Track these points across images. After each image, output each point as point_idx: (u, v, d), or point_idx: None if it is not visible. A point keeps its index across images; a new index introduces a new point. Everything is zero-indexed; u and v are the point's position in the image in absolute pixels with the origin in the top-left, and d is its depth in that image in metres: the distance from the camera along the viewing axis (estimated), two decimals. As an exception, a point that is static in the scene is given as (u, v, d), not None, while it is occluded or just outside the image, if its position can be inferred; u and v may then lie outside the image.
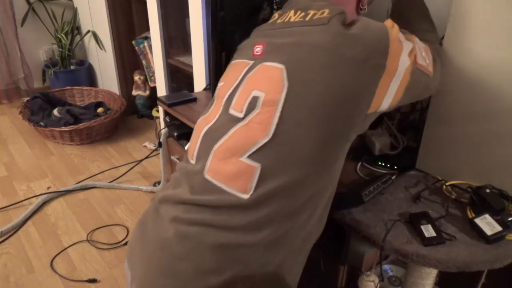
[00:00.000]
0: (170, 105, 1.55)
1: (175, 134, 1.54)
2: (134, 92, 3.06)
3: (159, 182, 2.32)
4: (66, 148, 2.74)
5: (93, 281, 1.67)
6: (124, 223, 2.02)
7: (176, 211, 0.74)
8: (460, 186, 0.98)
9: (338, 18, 0.74)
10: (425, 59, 0.81)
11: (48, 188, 2.29)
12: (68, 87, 3.19)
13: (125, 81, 3.09)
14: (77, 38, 3.36)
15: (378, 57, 0.71)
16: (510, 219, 0.85)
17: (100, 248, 1.85)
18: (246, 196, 0.69)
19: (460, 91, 0.96)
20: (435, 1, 1.05)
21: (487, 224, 0.84)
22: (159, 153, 2.53)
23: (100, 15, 2.91)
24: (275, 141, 0.70)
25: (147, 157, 2.55)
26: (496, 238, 0.82)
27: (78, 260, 1.78)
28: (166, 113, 1.64)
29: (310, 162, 0.71)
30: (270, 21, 0.86)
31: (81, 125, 2.65)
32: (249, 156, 0.70)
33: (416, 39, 0.82)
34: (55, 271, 1.71)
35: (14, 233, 1.94)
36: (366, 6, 0.91)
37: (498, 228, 0.82)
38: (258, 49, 0.80)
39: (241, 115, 0.74)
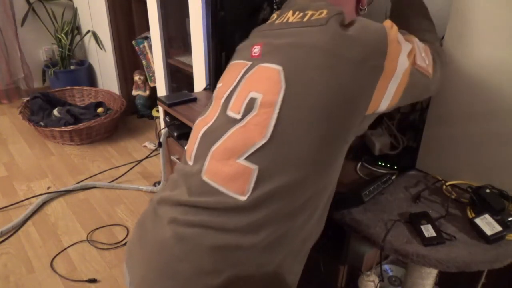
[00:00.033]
0: (170, 105, 1.55)
1: (175, 134, 1.54)
2: (134, 92, 3.06)
3: (159, 182, 2.32)
4: (66, 148, 2.74)
5: (93, 281, 1.67)
6: (124, 223, 2.02)
7: (174, 213, 0.74)
8: (460, 186, 0.98)
9: (336, 19, 0.74)
10: (424, 60, 0.81)
11: (48, 188, 2.29)
12: (68, 87, 3.19)
13: (125, 81, 3.09)
14: (77, 38, 3.36)
15: (376, 58, 0.71)
16: (510, 219, 0.85)
17: (100, 248, 1.85)
18: (243, 198, 0.69)
19: (460, 91, 0.96)
20: (435, 1, 1.05)
21: (487, 224, 0.84)
22: (159, 153, 2.53)
23: (100, 15, 2.91)
24: (273, 143, 0.70)
25: (147, 157, 2.55)
26: (496, 238, 0.82)
27: (78, 260, 1.78)
28: (166, 113, 1.64)
29: (308, 163, 0.70)
30: (269, 21, 0.86)
31: (81, 125, 2.65)
32: (247, 158, 0.70)
33: (416, 40, 0.81)
34: (55, 271, 1.71)
35: (14, 233, 1.94)
36: (365, 7, 0.90)
37: (498, 228, 0.83)
38: (256, 50, 0.80)
39: (238, 116, 0.74)
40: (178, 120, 1.55)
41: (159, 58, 2.25)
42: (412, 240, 0.84)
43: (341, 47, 0.71)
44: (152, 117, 3.08)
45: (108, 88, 3.24)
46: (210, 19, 1.35)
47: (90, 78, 3.45)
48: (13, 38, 3.23)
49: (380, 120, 1.19)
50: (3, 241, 1.88)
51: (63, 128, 2.64)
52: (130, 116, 3.17)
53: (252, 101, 0.73)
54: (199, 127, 0.82)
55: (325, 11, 0.76)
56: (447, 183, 0.99)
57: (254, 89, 0.74)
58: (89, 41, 3.29)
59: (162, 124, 1.80)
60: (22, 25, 3.25)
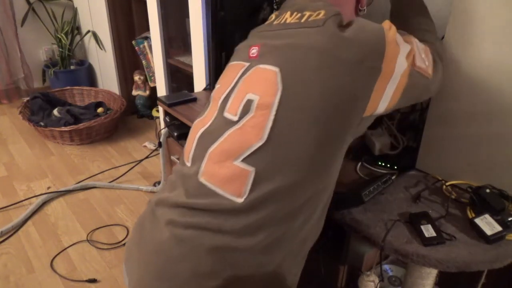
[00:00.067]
0: (170, 105, 1.55)
1: (175, 134, 1.54)
2: (134, 92, 3.06)
3: (159, 182, 2.32)
4: (66, 148, 2.74)
5: (93, 281, 1.67)
6: (124, 223, 2.02)
7: (171, 214, 0.74)
8: (460, 186, 0.98)
9: (333, 20, 0.73)
10: (424, 61, 0.81)
11: (48, 188, 2.29)
12: (68, 87, 3.19)
13: (125, 81, 3.09)
14: (77, 38, 3.36)
15: (373, 60, 0.70)
16: (510, 219, 0.85)
17: (100, 248, 1.85)
18: (240, 200, 0.69)
19: (460, 91, 0.96)
20: (435, 1, 1.05)
21: (487, 224, 0.84)
22: (159, 153, 2.53)
23: (100, 15, 2.91)
24: (269, 145, 0.70)
25: (147, 157, 2.55)
26: (496, 238, 0.82)
27: (78, 260, 1.78)
28: (166, 113, 1.64)
29: (306, 165, 0.70)
30: (267, 22, 0.85)
31: (81, 125, 2.65)
32: (243, 160, 0.70)
33: (415, 41, 0.81)
34: (55, 271, 1.71)
35: (14, 233, 1.94)
36: (365, 7, 0.90)
37: (498, 228, 0.83)
38: (253, 51, 0.80)
39: (235, 118, 0.74)
40: (178, 120, 1.55)
41: (159, 58, 2.25)
42: (412, 240, 0.84)
43: (338, 48, 0.70)
44: (152, 117, 3.09)
45: (108, 88, 3.24)
46: (210, 19, 1.35)
47: (90, 78, 3.45)
48: (13, 38, 3.23)
49: (380, 120, 1.19)
50: (3, 241, 1.88)
51: (63, 128, 2.64)
52: (130, 116, 3.17)
53: (249, 103, 0.73)
54: (197, 128, 0.81)
55: (322, 12, 0.75)
56: (447, 183, 0.99)
57: (251, 91, 0.74)
58: (89, 41, 3.29)
59: (162, 124, 1.80)
60: (22, 25, 3.25)
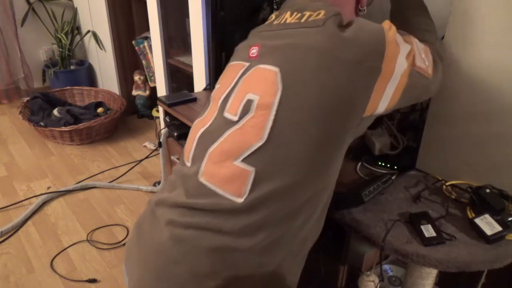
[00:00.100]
0: (170, 105, 1.55)
1: (175, 134, 1.54)
2: (134, 92, 3.06)
3: (159, 182, 2.32)
4: (66, 148, 2.74)
5: (93, 281, 1.67)
6: (124, 223, 2.02)
7: (171, 214, 0.74)
8: (460, 186, 0.98)
9: (333, 20, 0.73)
10: (424, 61, 0.80)
11: (48, 188, 2.29)
12: (68, 87, 3.19)
13: (125, 81, 3.09)
14: (77, 38, 3.36)
15: (373, 60, 0.70)
16: (510, 219, 0.85)
17: (100, 248, 1.85)
18: (240, 200, 0.69)
19: (460, 91, 0.96)
20: (435, 1, 1.05)
21: (487, 224, 0.84)
22: (159, 153, 2.53)
23: (100, 15, 2.91)
24: (269, 145, 0.69)
25: (147, 157, 2.55)
26: (496, 238, 0.82)
27: (78, 260, 1.78)
28: (166, 113, 1.64)
29: (306, 165, 0.70)
30: (267, 22, 0.85)
31: (81, 125, 2.65)
32: (243, 160, 0.70)
33: (415, 41, 0.81)
34: (55, 271, 1.71)
35: (14, 233, 1.94)
36: (365, 7, 0.90)
37: (498, 228, 0.83)
38: (253, 51, 0.80)
39: (235, 118, 0.74)
40: (178, 120, 1.55)
41: (159, 58, 2.25)
42: (412, 240, 0.84)
43: (338, 48, 0.70)
44: (152, 117, 3.09)
45: (108, 88, 3.24)
46: (210, 19, 1.35)
47: (90, 78, 3.45)
48: (13, 38, 3.23)
49: (380, 120, 1.19)
50: (3, 241, 1.88)
51: (63, 128, 2.64)
52: (130, 116, 3.17)
53: (249, 103, 0.73)
54: (197, 128, 0.81)
55: (322, 12, 0.75)
56: (447, 183, 0.99)
57: (251, 91, 0.74)
58: (89, 41, 3.29)
59: (162, 124, 1.80)
60: (22, 25, 3.25)
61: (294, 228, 0.72)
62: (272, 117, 0.70)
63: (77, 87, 3.22)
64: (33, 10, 3.25)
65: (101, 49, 3.11)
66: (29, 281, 1.66)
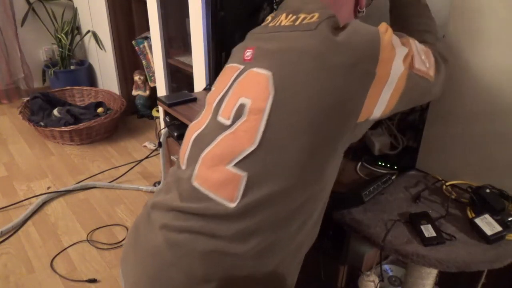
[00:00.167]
0: (170, 105, 1.55)
1: (175, 134, 1.54)
2: (134, 92, 3.06)
3: (159, 182, 2.32)
4: (66, 148, 2.74)
5: (93, 281, 1.67)
6: (124, 223, 2.02)
7: (165, 218, 0.74)
8: (460, 186, 0.98)
9: (327, 23, 0.72)
10: (424, 63, 0.79)
11: (48, 188, 2.29)
12: (68, 87, 3.19)
13: (125, 81, 3.09)
14: (77, 38, 3.36)
15: (367, 64, 0.69)
16: (510, 219, 0.85)
17: (100, 248, 1.85)
18: (232, 205, 0.69)
19: (460, 91, 0.96)
20: (435, 1, 1.05)
21: (487, 224, 0.84)
22: (159, 153, 2.53)
23: (100, 15, 2.91)
24: (262, 150, 0.69)
25: (147, 157, 2.55)
26: (496, 238, 0.82)
27: (78, 260, 1.78)
28: (166, 113, 1.64)
29: (299, 170, 0.69)
30: (263, 24, 0.85)
31: (81, 125, 2.65)
32: (236, 165, 0.70)
33: (414, 43, 0.79)
34: (55, 271, 1.71)
35: (14, 233, 1.94)
36: (364, 9, 0.88)
37: (498, 228, 0.83)
38: (248, 54, 0.79)
39: (228, 122, 0.74)
40: (178, 120, 1.55)
41: (159, 58, 2.25)
42: (412, 240, 0.84)
43: (330, 53, 0.69)
44: (152, 117, 3.09)
45: (108, 88, 3.24)
46: (210, 19, 1.35)
47: (90, 78, 3.45)
48: (13, 38, 3.23)
49: (380, 120, 1.19)
50: (3, 241, 1.88)
51: (63, 128, 2.64)
52: (130, 116, 3.17)
53: (241, 107, 0.73)
54: (192, 131, 0.81)
55: (316, 15, 0.74)
56: (447, 183, 0.99)
57: (244, 95, 0.74)
58: (89, 41, 3.29)
59: (162, 124, 1.80)
60: (22, 25, 3.25)
61: (290, 232, 0.72)
62: (264, 121, 0.69)
63: (77, 87, 3.22)
64: (33, 10, 3.25)
65: (101, 49, 3.11)
66: (29, 281, 1.66)
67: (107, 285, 1.66)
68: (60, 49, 3.24)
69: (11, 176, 2.40)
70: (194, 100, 1.60)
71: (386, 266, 1.38)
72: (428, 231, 0.84)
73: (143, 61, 2.84)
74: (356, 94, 0.70)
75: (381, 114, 0.75)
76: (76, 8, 3.30)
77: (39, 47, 3.40)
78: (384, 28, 0.73)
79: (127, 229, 1.97)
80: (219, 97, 0.79)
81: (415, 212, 0.90)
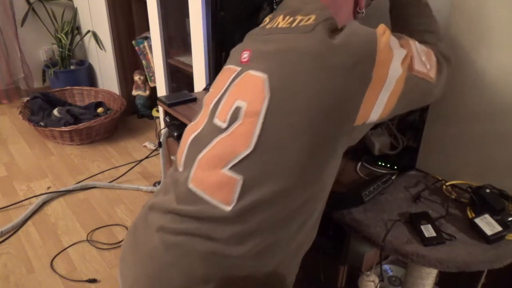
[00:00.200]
0: (170, 105, 1.55)
1: (175, 134, 1.54)
2: (134, 92, 3.06)
3: (159, 182, 2.32)
4: (66, 148, 2.74)
5: (93, 281, 1.67)
6: (124, 223, 2.02)
7: (162, 221, 0.74)
8: (460, 186, 0.98)
9: (323, 25, 0.72)
10: (425, 64, 0.78)
11: (48, 188, 2.29)
12: (68, 87, 3.19)
13: (125, 81, 3.09)
14: (77, 38, 3.36)
15: (363, 67, 0.68)
16: (510, 219, 0.85)
17: (100, 248, 1.85)
18: (228, 208, 0.68)
19: (460, 91, 0.96)
20: (435, 1, 1.05)
21: (487, 224, 0.84)
22: (159, 153, 2.53)
23: (100, 15, 2.91)
24: (257, 153, 0.69)
25: (147, 157, 2.55)
26: (496, 238, 0.82)
27: (78, 260, 1.78)
28: (166, 113, 1.64)
29: (296, 172, 0.69)
30: (261, 25, 0.85)
31: (81, 125, 2.65)
32: (231, 168, 0.69)
33: (414, 44, 0.78)
34: (55, 271, 1.71)
35: (14, 233, 1.94)
36: (363, 9, 0.87)
37: (498, 228, 0.83)
38: (245, 56, 0.79)
39: (224, 125, 0.73)
40: (178, 120, 1.55)
41: (159, 58, 2.25)
42: (412, 240, 0.84)
43: (325, 55, 0.69)
44: (152, 117, 3.09)
45: (108, 88, 3.24)
46: (210, 19, 1.35)
47: (90, 78, 3.45)
48: (13, 38, 3.23)
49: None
50: (3, 241, 1.88)
51: (63, 128, 2.64)
52: (130, 116, 3.17)
53: (237, 110, 0.72)
54: (189, 133, 0.81)
55: (313, 17, 0.74)
56: (447, 183, 0.99)
57: (240, 97, 0.73)
58: (89, 41, 3.29)
59: (162, 124, 1.80)
60: (22, 25, 3.25)
61: (290, 232, 0.71)
62: (259, 125, 0.69)
63: (77, 87, 3.22)
64: (33, 10, 3.25)
65: (101, 49, 3.11)
66: (29, 281, 1.66)
67: (107, 285, 1.66)
68: (60, 49, 3.24)
69: (11, 176, 2.40)
70: (194, 100, 1.60)
71: (386, 266, 1.38)
72: (428, 231, 0.84)
73: (143, 61, 2.84)
74: (352, 97, 0.69)
75: (378, 117, 0.74)
76: (76, 8, 3.30)
77: (39, 47, 3.40)
78: (382, 30, 0.72)
79: (127, 229, 1.97)
80: (216, 99, 0.79)
81: (415, 212, 0.90)
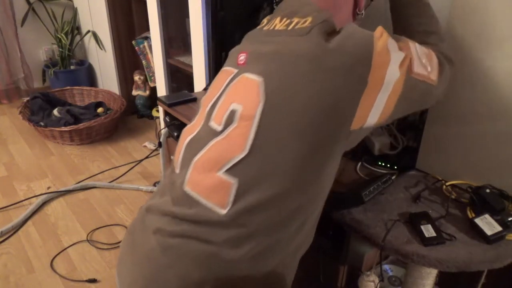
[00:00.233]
0: (170, 105, 1.55)
1: (175, 134, 1.54)
2: (134, 92, 3.06)
3: (159, 182, 2.32)
4: (66, 148, 2.74)
5: (93, 281, 1.67)
6: (124, 223, 2.02)
7: (159, 223, 0.74)
8: (460, 186, 0.98)
9: (319, 28, 0.71)
10: (425, 66, 0.77)
11: (48, 188, 2.29)
12: (68, 87, 3.19)
13: (125, 81, 3.09)
14: (77, 38, 3.36)
15: (359, 71, 0.67)
16: (510, 219, 0.85)
17: (100, 248, 1.85)
18: (223, 212, 0.68)
19: (460, 91, 0.96)
20: (435, 2, 1.05)
21: (487, 224, 0.84)
22: (159, 153, 2.53)
23: (100, 15, 2.91)
24: (252, 156, 0.68)
25: (147, 157, 2.55)
26: (496, 238, 0.82)
27: (78, 260, 1.78)
28: (166, 113, 1.64)
29: (291, 176, 0.69)
30: (259, 26, 0.84)
31: (81, 125, 2.65)
32: (226, 171, 0.69)
33: (414, 46, 0.77)
34: (55, 271, 1.71)
35: (14, 233, 1.93)
36: (363, 11, 0.86)
37: (498, 228, 0.83)
38: (242, 58, 0.79)
39: (220, 128, 0.73)
40: (178, 120, 1.55)
41: (159, 58, 2.25)
42: (412, 240, 0.84)
43: (322, 58, 0.68)
44: (152, 117, 3.09)
45: (108, 88, 3.24)
46: (210, 19, 1.35)
47: (90, 78, 3.45)
48: (13, 38, 3.23)
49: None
50: (3, 241, 1.88)
51: (63, 128, 2.64)
52: (130, 116, 3.17)
53: (232, 113, 0.72)
54: (186, 135, 0.81)
55: (309, 19, 0.73)
56: (447, 183, 0.99)
57: (235, 100, 0.73)
58: (89, 41, 3.29)
59: (162, 124, 1.80)
60: (22, 25, 3.25)
61: (289, 234, 0.71)
62: (254, 128, 0.69)
63: (77, 87, 3.21)
64: (33, 10, 3.25)
65: (101, 49, 3.11)
66: (29, 281, 1.66)
67: (107, 285, 1.66)
68: (60, 49, 3.24)
69: (11, 176, 2.40)
70: (194, 100, 1.60)
71: (386, 266, 1.38)
72: (428, 231, 0.84)
73: (143, 61, 2.84)
74: (347, 102, 0.68)
75: (376, 122, 0.73)
76: (76, 8, 3.30)
77: (39, 47, 3.40)
78: (379, 33, 0.71)
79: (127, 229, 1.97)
80: (212, 101, 0.79)
81: (415, 212, 0.90)
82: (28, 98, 2.96)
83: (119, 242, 1.89)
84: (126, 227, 1.99)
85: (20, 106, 2.88)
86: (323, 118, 0.68)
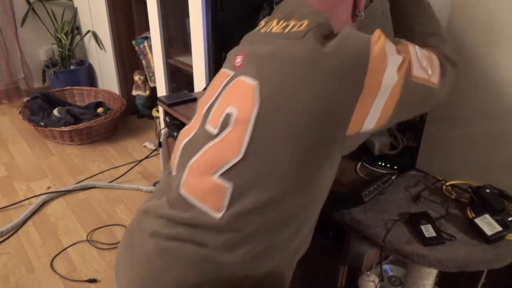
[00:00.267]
0: (170, 105, 1.55)
1: (175, 134, 1.54)
2: (134, 92, 3.06)
3: (159, 182, 2.32)
4: (66, 148, 2.74)
5: (93, 281, 1.67)
6: (124, 223, 2.02)
7: (155, 226, 0.74)
8: (460, 186, 0.98)
9: (315, 32, 0.70)
10: (426, 69, 0.75)
11: (48, 188, 2.29)
12: (68, 87, 3.19)
13: (125, 81, 3.09)
14: (77, 38, 3.36)
15: (354, 75, 0.66)
16: (510, 219, 0.85)
17: (100, 248, 1.85)
18: (218, 215, 0.68)
19: (461, 91, 0.96)
20: (435, 2, 1.05)
21: (487, 224, 0.84)
22: (159, 153, 2.53)
23: (100, 15, 2.91)
24: (247, 160, 0.68)
25: (147, 157, 2.55)
26: (496, 238, 0.82)
27: (78, 260, 1.78)
28: (166, 113, 1.64)
29: (287, 179, 0.68)
30: (256, 28, 0.84)
31: (81, 125, 2.65)
32: (221, 175, 0.69)
33: (414, 49, 0.75)
34: (55, 271, 1.71)
35: (14, 233, 1.93)
36: (362, 13, 0.85)
37: (498, 228, 0.83)
38: (238, 60, 0.78)
39: (215, 131, 0.73)
40: (178, 120, 1.55)
41: (159, 58, 2.25)
42: (412, 240, 0.84)
43: (318, 62, 0.67)
44: (152, 117, 3.09)
45: (108, 88, 3.24)
46: (210, 19, 1.35)
47: (90, 78, 3.45)
48: (13, 38, 3.23)
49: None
50: (3, 241, 1.88)
51: (63, 128, 2.64)
52: (130, 116, 3.17)
53: (228, 116, 0.72)
54: (183, 137, 0.81)
55: (305, 22, 0.73)
56: (447, 183, 0.99)
57: (231, 103, 0.73)
58: (89, 41, 3.29)
59: (162, 124, 1.80)
60: (22, 25, 3.25)
61: (287, 236, 0.71)
62: (249, 132, 0.68)
63: (77, 87, 3.21)
64: (33, 10, 3.25)
65: (101, 49, 3.11)
66: (29, 281, 1.66)
67: (107, 285, 1.66)
68: (60, 49, 3.24)
69: (11, 176, 2.40)
70: (194, 100, 1.60)
71: (386, 266, 1.38)
72: (428, 231, 0.84)
73: (143, 61, 2.84)
74: (344, 106, 0.67)
75: (374, 127, 0.72)
76: (76, 8, 3.30)
77: (39, 47, 3.40)
78: (377, 36, 0.69)
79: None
80: (209, 104, 0.78)
81: (415, 212, 0.90)
82: (28, 98, 2.96)
83: (119, 242, 1.89)
84: (126, 227, 1.99)
85: (20, 106, 2.88)
86: (320, 120, 0.67)
